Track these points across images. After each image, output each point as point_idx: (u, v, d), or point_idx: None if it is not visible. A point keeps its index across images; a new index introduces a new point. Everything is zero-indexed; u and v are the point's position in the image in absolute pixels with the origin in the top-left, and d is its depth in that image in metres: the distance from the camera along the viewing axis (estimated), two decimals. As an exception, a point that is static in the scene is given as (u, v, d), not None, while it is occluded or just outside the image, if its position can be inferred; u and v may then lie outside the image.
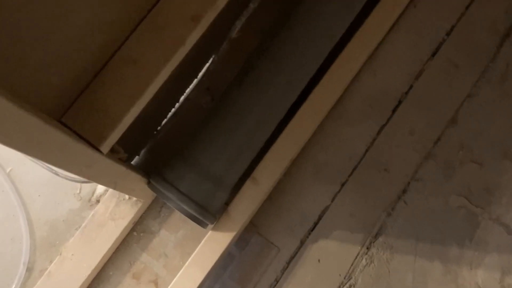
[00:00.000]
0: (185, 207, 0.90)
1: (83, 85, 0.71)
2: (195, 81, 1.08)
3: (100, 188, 1.03)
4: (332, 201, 1.02)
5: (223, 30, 1.07)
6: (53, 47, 0.61)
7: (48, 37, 0.60)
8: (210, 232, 0.95)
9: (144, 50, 0.74)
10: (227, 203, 0.98)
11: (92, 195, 1.03)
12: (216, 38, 1.07)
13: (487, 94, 1.06)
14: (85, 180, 0.93)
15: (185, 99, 1.07)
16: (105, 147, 0.71)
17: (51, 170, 0.86)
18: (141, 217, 1.03)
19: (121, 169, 0.81)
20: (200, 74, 1.08)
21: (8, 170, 1.05)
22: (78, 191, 1.03)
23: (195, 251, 0.94)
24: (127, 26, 0.74)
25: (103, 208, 1.00)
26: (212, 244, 0.94)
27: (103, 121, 0.71)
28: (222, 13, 0.85)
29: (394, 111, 1.06)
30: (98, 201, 1.02)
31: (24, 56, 0.57)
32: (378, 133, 1.05)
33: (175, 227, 1.02)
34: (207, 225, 0.93)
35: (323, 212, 1.02)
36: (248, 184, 0.97)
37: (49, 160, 0.60)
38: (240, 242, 1.01)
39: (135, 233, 1.02)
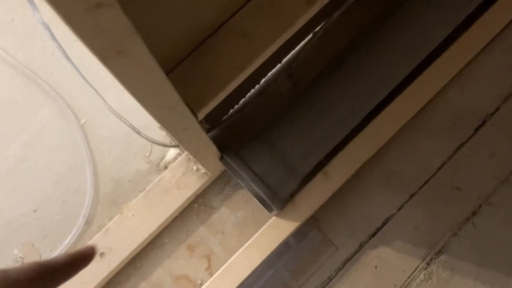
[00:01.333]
0: (256, 188, 0.89)
1: (191, 49, 0.71)
2: (279, 65, 1.07)
3: (169, 155, 1.03)
4: (398, 210, 1.00)
5: (317, 19, 1.05)
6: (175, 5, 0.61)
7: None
8: (274, 218, 0.94)
9: (255, 24, 0.73)
10: (293, 194, 0.97)
11: (161, 160, 1.03)
12: (308, 26, 1.05)
13: None
14: (159, 142, 0.93)
15: (266, 82, 1.06)
16: (202, 114, 0.71)
17: (134, 128, 0.87)
18: (204, 191, 1.03)
19: (206, 138, 0.81)
20: (285, 59, 1.06)
21: (82, 122, 1.06)
22: (148, 154, 1.04)
23: (257, 234, 0.93)
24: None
25: (170, 175, 1.00)
26: (275, 230, 0.93)
27: (204, 87, 0.70)
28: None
29: (476, 130, 1.03)
30: (166, 167, 1.02)
31: (154, 11, 0.57)
32: (457, 150, 1.02)
33: (236, 207, 1.02)
34: (273, 210, 0.92)
35: (388, 220, 1.00)
36: (319, 177, 0.95)
37: (157, 115, 0.59)
38: (298, 234, 1.00)
39: (196, 206, 1.02)
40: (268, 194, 0.89)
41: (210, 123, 0.94)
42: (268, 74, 1.07)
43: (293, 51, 1.07)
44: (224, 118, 0.99)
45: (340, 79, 0.95)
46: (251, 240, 0.93)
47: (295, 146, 0.92)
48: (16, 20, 1.12)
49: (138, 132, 0.86)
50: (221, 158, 0.94)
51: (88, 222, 1.02)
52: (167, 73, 0.69)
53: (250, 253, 0.92)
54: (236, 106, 1.03)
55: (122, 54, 0.43)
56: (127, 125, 0.88)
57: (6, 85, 1.08)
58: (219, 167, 0.99)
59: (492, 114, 1.04)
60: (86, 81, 0.90)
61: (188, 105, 0.69)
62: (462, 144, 1.02)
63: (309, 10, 0.75)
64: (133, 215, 0.99)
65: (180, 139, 0.72)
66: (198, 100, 0.70)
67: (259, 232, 0.93)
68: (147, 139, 0.90)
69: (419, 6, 0.98)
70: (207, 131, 0.93)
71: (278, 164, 0.91)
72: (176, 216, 1.01)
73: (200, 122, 0.80)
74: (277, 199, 0.90)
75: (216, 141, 1.00)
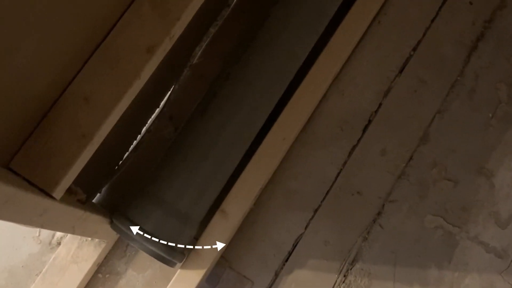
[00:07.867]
0: (151, 247, 0.85)
1: (32, 126, 0.66)
2: (157, 110, 1.03)
3: (61, 230, 0.97)
4: (305, 229, 0.98)
5: (183, 56, 1.03)
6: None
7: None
8: (179, 271, 0.90)
9: (96, 85, 0.69)
10: (197, 237, 0.93)
11: (53, 237, 0.97)
12: (176, 65, 1.03)
13: (457, 109, 1.04)
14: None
15: (147, 130, 1.02)
16: (58, 192, 0.66)
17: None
18: (106, 257, 0.98)
19: (79, 212, 0.76)
20: (162, 103, 1.03)
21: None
22: (37, 234, 0.98)
23: (164, 293, 0.89)
24: (77, 59, 0.70)
25: (64, 251, 0.94)
26: (182, 284, 0.89)
27: (54, 164, 0.66)
28: (181, 40, 0.81)
29: (364, 131, 1.03)
30: (59, 244, 0.97)
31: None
32: (349, 155, 1.02)
33: (143, 266, 0.97)
34: (176, 264, 0.88)
35: (297, 241, 0.98)
36: (217, 217, 0.92)
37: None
38: (211, 278, 0.96)
39: (100, 275, 0.97)
40: (165, 249, 0.85)
41: (91, 189, 0.90)
42: (148, 122, 1.04)
43: (168, 93, 1.04)
44: (108, 178, 0.95)
45: (214, 113, 0.93)
46: (159, 301, 0.88)
47: (183, 192, 0.89)
48: None
49: (9, 221, 0.80)
50: (111, 223, 0.89)
51: (-13, 322, 0.94)
52: (9, 160, 0.64)
53: (161, 314, 0.88)
54: (120, 162, 0.98)
55: None
56: None
57: None
58: (113, 231, 0.94)
59: (375, 112, 1.04)
60: None
61: (39, 188, 0.64)
62: (353, 148, 1.02)
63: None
64: (34, 303, 0.92)
65: (41, 225, 0.67)
66: (49, 180, 0.65)
67: (166, 290, 0.89)
68: (25, 223, 0.84)
69: (276, 24, 0.97)
70: (87, 199, 0.88)
71: (169, 216, 0.87)
72: (82, 291, 0.96)
73: (68, 196, 0.75)
74: (176, 252, 0.86)
75: (103, 204, 0.95)
